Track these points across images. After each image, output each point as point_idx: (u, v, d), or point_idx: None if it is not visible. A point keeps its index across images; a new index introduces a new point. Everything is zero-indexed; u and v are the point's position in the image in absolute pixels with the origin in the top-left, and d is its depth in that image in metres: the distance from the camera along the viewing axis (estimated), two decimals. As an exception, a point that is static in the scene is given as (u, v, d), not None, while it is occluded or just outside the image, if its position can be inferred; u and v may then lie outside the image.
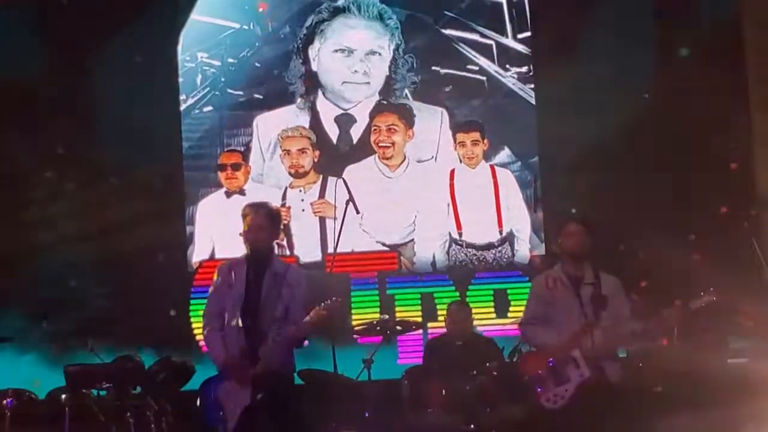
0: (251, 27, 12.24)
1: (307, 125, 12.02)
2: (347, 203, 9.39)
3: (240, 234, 8.00)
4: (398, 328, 10.27)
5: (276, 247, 11.49)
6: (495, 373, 9.30)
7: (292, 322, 7.91)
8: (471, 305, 10.65)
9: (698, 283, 8.29)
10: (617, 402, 8.07)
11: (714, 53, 11.31)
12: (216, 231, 11.64)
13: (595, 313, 8.15)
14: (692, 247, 10.76)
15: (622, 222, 11.07)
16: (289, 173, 11.89)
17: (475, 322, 10.60)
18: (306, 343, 8.07)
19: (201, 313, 8.11)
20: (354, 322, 11.04)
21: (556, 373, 8.17)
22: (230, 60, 12.20)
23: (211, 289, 8.01)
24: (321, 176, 11.90)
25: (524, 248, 11.81)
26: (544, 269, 8.69)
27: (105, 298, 11.19)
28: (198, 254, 11.78)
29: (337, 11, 12.12)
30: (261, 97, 12.22)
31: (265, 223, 8.00)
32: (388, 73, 12.11)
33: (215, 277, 8.02)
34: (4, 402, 9.46)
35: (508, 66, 12.16)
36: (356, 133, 12.10)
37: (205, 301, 8.04)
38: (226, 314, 7.90)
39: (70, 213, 11.59)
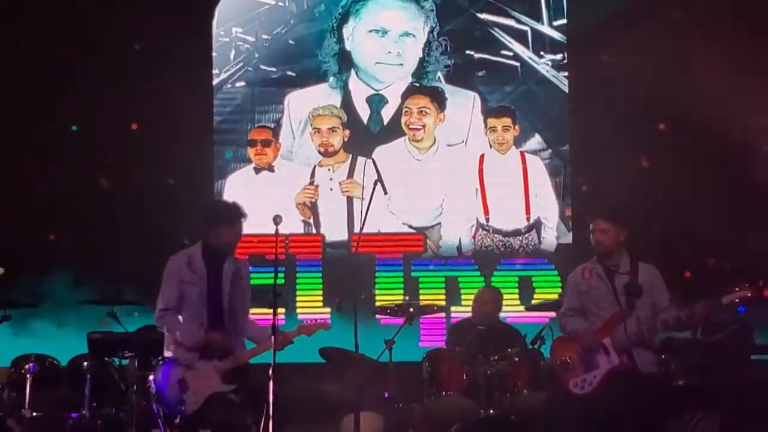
0: (287, 4, 12.21)
1: (338, 104, 12.01)
2: (375, 184, 9.33)
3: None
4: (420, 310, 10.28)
5: (304, 225, 11.68)
6: (516, 359, 9.29)
7: (242, 315, 8.26)
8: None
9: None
10: (644, 391, 8.09)
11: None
12: (244, 206, 11.58)
13: (629, 301, 8.25)
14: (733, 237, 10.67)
15: (655, 211, 11.06)
16: (319, 151, 11.89)
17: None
18: None
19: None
20: (377, 303, 11.08)
21: (585, 359, 8.23)
22: (264, 36, 12.18)
23: (165, 283, 8.26)
24: (350, 156, 11.88)
25: (551, 236, 11.77)
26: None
27: (133, 269, 11.18)
28: (225, 228, 11.77)
29: (373, -9, 12.11)
30: (293, 74, 12.20)
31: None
32: (421, 56, 12.06)
33: (168, 269, 8.29)
34: (27, 366, 9.55)
35: (542, 53, 12.10)
36: (387, 114, 12.07)
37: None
38: (187, 307, 8.17)
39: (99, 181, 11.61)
